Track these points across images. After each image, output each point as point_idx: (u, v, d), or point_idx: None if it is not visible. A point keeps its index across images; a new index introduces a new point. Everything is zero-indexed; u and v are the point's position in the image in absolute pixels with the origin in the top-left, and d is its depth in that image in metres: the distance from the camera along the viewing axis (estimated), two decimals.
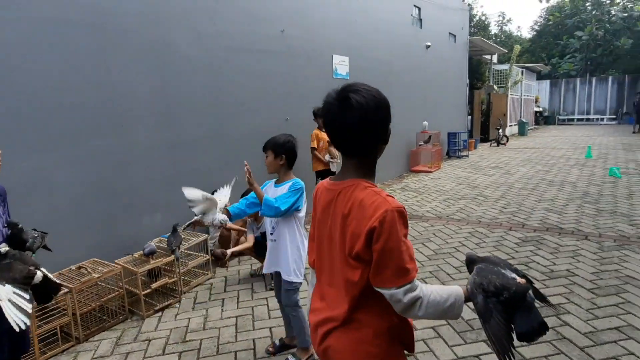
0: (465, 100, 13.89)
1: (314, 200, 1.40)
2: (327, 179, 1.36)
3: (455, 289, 1.21)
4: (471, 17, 30.42)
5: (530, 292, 1.25)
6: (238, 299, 3.62)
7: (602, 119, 26.37)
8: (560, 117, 27.53)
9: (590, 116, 26.93)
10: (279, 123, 5.85)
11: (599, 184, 7.52)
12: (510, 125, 19.37)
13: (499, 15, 42.44)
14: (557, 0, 34.70)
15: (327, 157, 5.93)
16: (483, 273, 1.26)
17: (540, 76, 30.14)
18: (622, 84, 25.74)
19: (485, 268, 1.29)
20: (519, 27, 75.25)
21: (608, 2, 30.09)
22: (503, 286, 1.21)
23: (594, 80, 26.91)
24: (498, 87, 18.59)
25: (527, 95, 22.74)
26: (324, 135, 5.96)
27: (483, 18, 31.07)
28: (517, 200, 6.63)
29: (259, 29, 5.49)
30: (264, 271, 2.69)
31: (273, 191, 2.53)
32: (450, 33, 12.26)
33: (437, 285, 1.22)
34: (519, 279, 1.25)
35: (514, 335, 1.19)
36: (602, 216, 5.53)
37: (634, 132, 17.64)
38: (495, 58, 21.73)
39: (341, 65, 7.28)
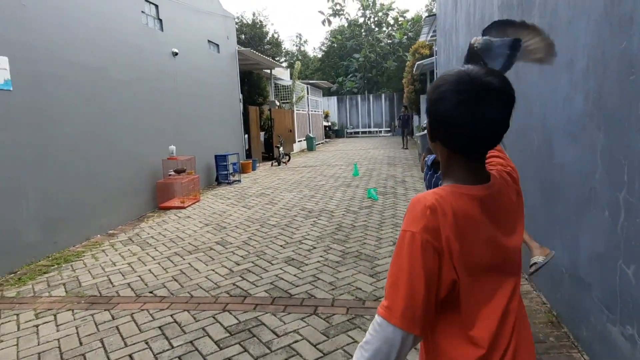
0: (240, 117, 12.59)
1: (461, 231, 0.94)
2: (455, 193, 0.96)
3: None
4: (264, 33, 30.47)
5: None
6: None
7: (380, 131, 29.47)
8: (348, 130, 29.72)
9: (372, 129, 29.85)
10: None
11: (356, 210, 6.84)
12: (299, 141, 19.25)
13: (297, 37, 44.58)
14: (339, 24, 38.00)
15: None
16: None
17: (330, 93, 32.12)
18: (392, 100, 29.29)
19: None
20: (314, 47, 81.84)
21: (377, 29, 34.22)
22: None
23: (371, 97, 29.97)
24: (282, 103, 18.20)
25: (315, 111, 23.37)
26: None
27: (276, 35, 31.47)
28: (260, 246, 5.24)
29: None
30: None
31: None
32: (210, 41, 10.71)
33: None
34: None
35: None
36: (344, 264, 4.48)
37: (402, 147, 17.70)
38: (287, 75, 21.58)
39: None
